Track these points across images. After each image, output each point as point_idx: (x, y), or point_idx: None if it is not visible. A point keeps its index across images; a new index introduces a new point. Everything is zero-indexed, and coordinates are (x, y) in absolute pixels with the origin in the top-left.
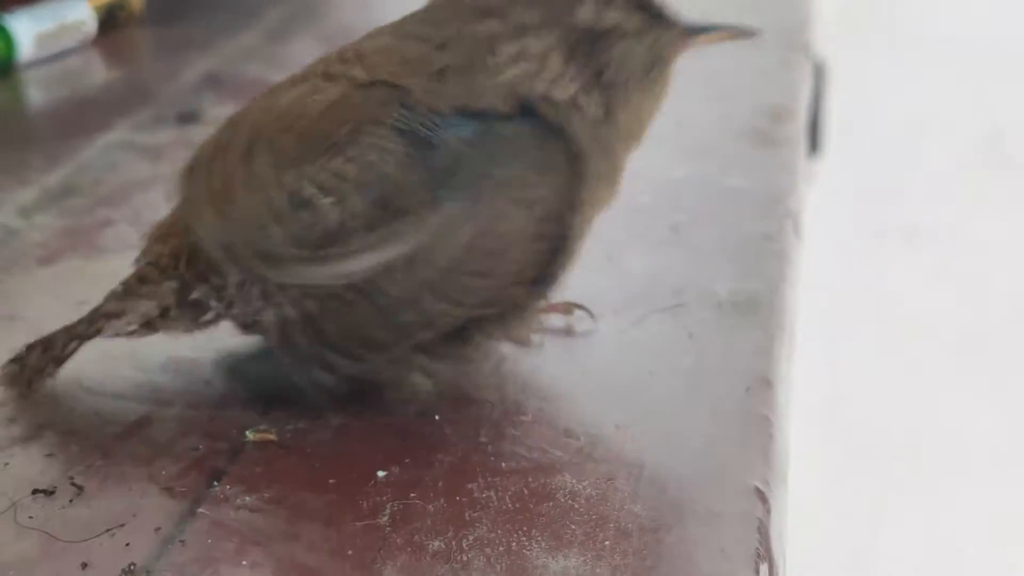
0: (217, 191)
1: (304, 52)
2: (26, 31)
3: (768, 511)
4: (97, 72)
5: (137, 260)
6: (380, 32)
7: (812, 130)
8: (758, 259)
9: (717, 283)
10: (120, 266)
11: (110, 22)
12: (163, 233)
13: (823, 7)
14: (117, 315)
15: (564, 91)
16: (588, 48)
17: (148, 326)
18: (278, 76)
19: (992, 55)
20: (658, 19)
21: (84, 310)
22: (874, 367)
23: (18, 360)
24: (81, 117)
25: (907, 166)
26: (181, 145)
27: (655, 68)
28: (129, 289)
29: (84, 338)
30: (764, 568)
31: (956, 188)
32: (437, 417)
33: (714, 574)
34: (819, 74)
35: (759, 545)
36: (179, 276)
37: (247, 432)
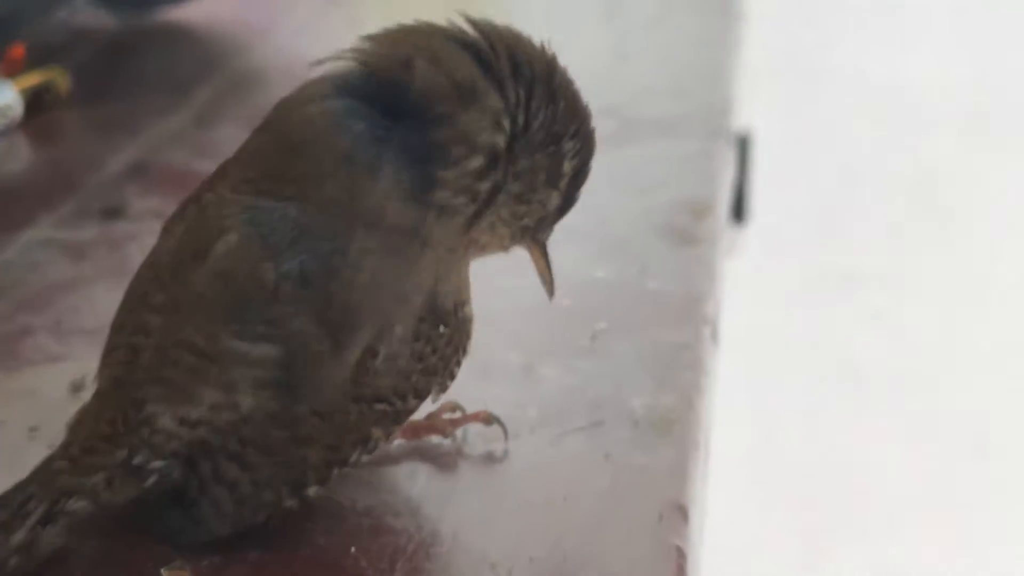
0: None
1: (231, 137)
2: None
3: None
4: (22, 157)
5: None
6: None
7: (737, 200)
8: (674, 371)
9: (634, 398)
10: (38, 381)
11: (36, 104)
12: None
13: (746, 68)
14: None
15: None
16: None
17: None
18: (204, 164)
19: (920, 101)
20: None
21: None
22: (807, 408)
23: None
24: (4, 209)
25: (840, 213)
26: (104, 244)
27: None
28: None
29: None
30: None
31: (889, 233)
32: (353, 549)
33: None
34: (743, 145)
35: None
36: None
37: (162, 570)
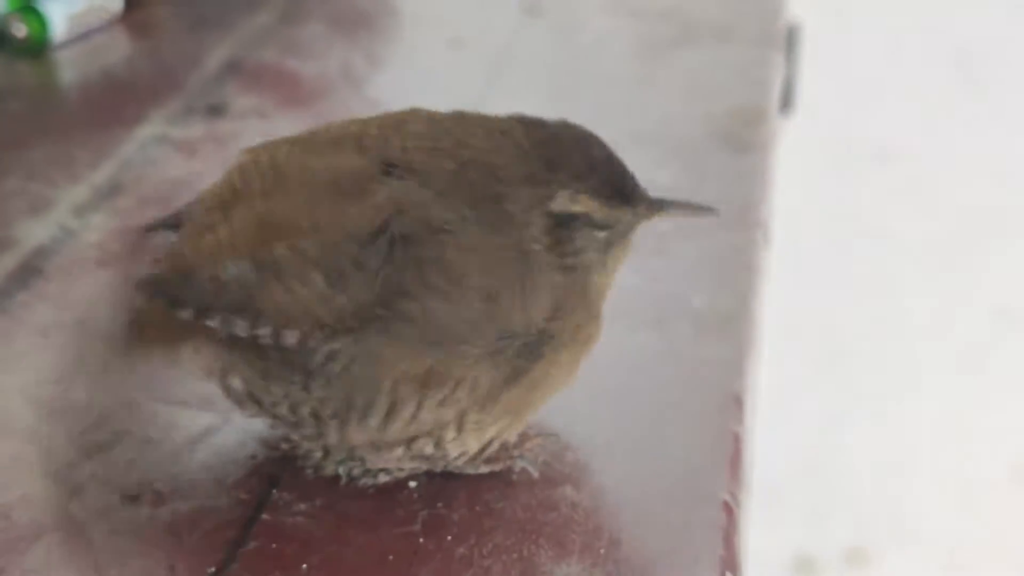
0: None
1: (317, 34)
2: (59, 13)
3: (734, 522)
4: (123, 50)
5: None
6: (409, 125)
7: (785, 92)
8: (731, 272)
9: (695, 297)
10: None
11: (134, 1)
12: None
13: None
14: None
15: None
16: (558, 232)
17: None
18: (294, 62)
19: None
20: (623, 203)
21: None
22: (843, 274)
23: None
24: (115, 105)
25: (876, 92)
26: (211, 140)
27: (616, 243)
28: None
29: None
30: (728, 574)
31: (922, 112)
32: None
33: None
34: (791, 38)
35: (723, 553)
36: None
37: None
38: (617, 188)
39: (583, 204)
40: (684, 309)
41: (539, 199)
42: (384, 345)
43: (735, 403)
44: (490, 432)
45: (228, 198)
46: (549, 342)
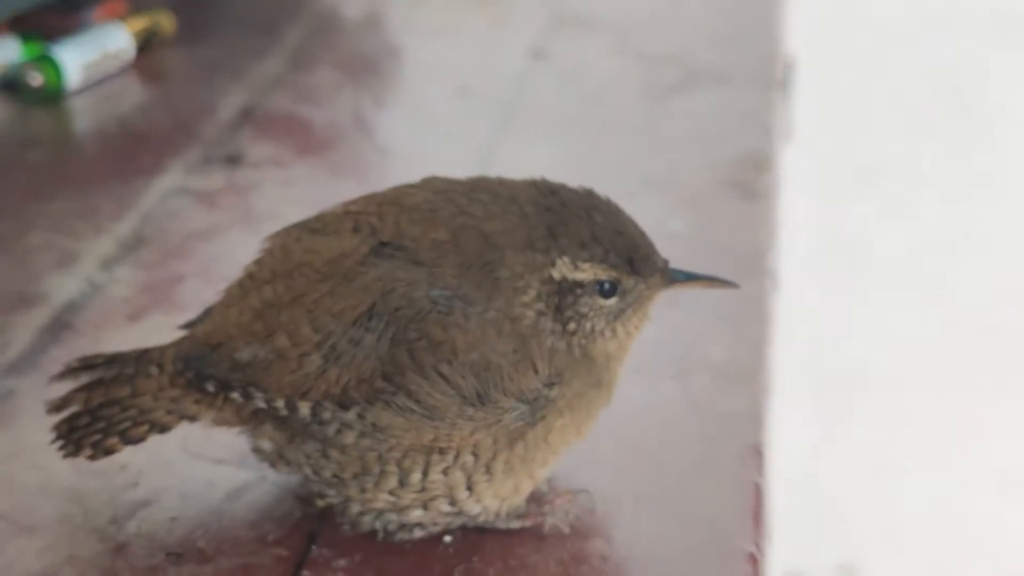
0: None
1: (327, 80)
2: (74, 61)
3: (759, 573)
4: (136, 96)
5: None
6: (411, 197)
7: (785, 126)
8: (745, 323)
9: (713, 349)
10: None
11: (146, 46)
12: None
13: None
14: (174, 415)
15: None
16: (558, 299)
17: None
18: (306, 108)
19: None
20: (632, 273)
21: None
22: (826, 293)
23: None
24: (133, 154)
25: (860, 111)
26: (231, 191)
27: (629, 311)
28: (175, 395)
29: (152, 425)
30: None
31: (906, 130)
32: None
33: None
34: (787, 73)
35: None
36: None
37: None
38: (625, 257)
39: (586, 272)
40: (703, 361)
41: (538, 265)
42: (389, 418)
43: (755, 455)
44: (504, 489)
45: (246, 284)
46: (548, 406)
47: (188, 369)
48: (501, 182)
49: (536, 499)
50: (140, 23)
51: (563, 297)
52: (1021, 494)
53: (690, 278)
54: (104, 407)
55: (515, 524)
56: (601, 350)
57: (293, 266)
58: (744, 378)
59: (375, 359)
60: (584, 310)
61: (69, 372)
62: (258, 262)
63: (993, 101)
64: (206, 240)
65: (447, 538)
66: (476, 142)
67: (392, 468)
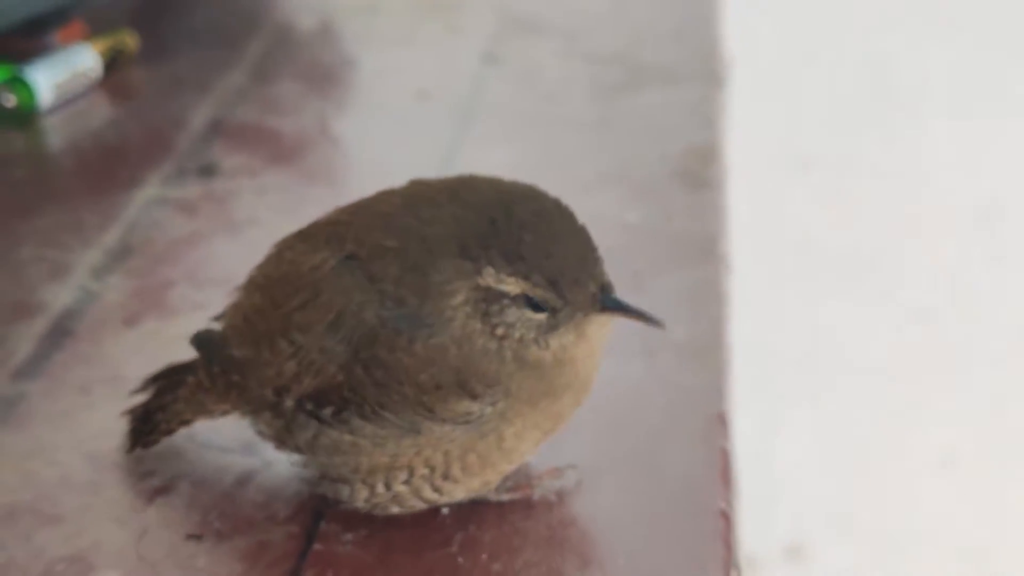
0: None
1: (291, 91)
2: (45, 81)
3: (731, 528)
4: (107, 114)
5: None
6: (383, 204)
7: None
8: (703, 304)
9: (676, 329)
10: (190, 326)
11: (111, 64)
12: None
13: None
14: (197, 414)
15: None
16: (487, 305)
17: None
18: (273, 120)
19: None
20: (558, 295)
21: None
22: (770, 282)
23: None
24: (110, 168)
25: (796, 100)
26: (209, 200)
27: (563, 329)
28: (200, 398)
29: (180, 423)
30: (733, 573)
31: (843, 119)
32: None
33: None
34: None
35: (725, 555)
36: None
37: None
38: (552, 279)
39: (510, 285)
40: (667, 340)
41: (466, 272)
42: (352, 441)
43: (720, 422)
44: (473, 484)
45: (248, 286)
46: (492, 421)
47: (200, 348)
48: (471, 185)
49: (525, 474)
50: (105, 43)
51: (490, 304)
52: (965, 474)
53: (619, 308)
54: (154, 412)
55: (505, 497)
56: (536, 358)
57: (279, 275)
58: (704, 355)
59: (340, 371)
60: (511, 319)
61: (142, 387)
62: (260, 266)
63: (927, 91)
64: (190, 247)
65: (444, 510)
66: (437, 144)
67: (359, 484)
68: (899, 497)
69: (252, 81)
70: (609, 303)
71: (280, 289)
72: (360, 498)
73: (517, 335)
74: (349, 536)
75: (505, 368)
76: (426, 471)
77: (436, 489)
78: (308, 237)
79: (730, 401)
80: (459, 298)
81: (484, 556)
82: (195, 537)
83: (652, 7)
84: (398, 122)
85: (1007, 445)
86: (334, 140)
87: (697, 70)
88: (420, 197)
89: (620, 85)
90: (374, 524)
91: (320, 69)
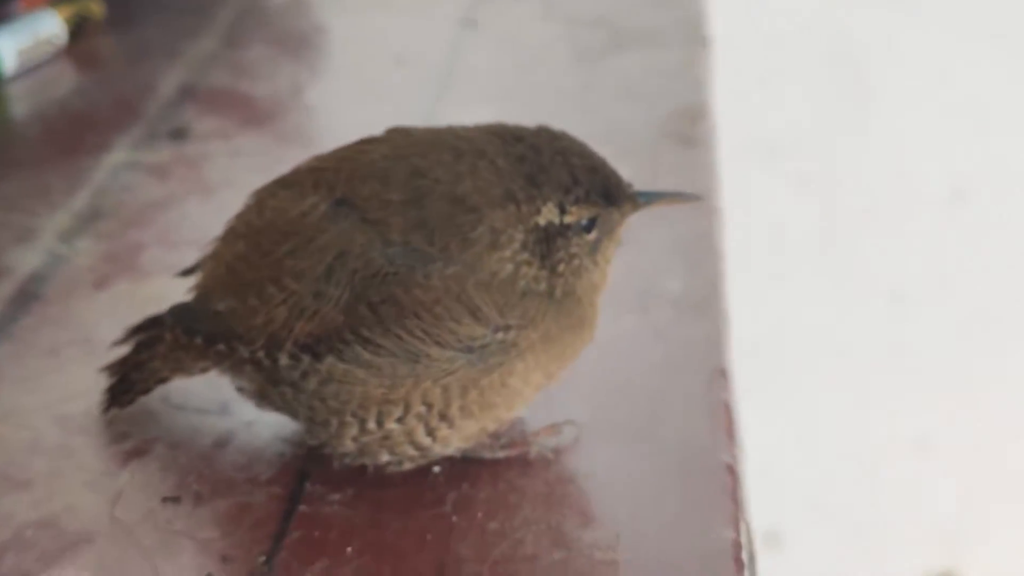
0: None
1: (263, 56)
2: (8, 48)
3: (738, 481)
4: (70, 82)
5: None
6: (368, 154)
7: None
8: (698, 257)
9: (671, 281)
10: (163, 288)
11: (77, 31)
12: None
13: None
14: (175, 372)
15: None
16: (546, 244)
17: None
18: (246, 84)
19: None
20: (610, 204)
21: None
22: (739, 270)
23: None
24: (77, 134)
25: (764, 86)
26: (182, 163)
27: (604, 240)
28: (178, 355)
29: (157, 382)
30: (742, 527)
31: (813, 107)
32: None
33: (705, 533)
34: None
35: (734, 509)
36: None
37: None
38: (603, 192)
39: (572, 214)
40: (663, 294)
41: (520, 217)
42: (345, 370)
43: (721, 376)
44: (469, 432)
45: (227, 236)
46: (502, 352)
47: (177, 324)
48: (460, 135)
49: (520, 431)
50: (69, 9)
51: (551, 242)
52: (940, 457)
53: (657, 197)
54: (131, 370)
55: (501, 454)
56: (587, 284)
57: (263, 223)
58: (702, 308)
59: (340, 312)
60: (575, 250)
61: (125, 337)
62: (238, 216)
63: (897, 75)
64: (163, 209)
65: (436, 468)
66: (416, 108)
67: (349, 418)
68: (874, 482)
69: (223, 47)
70: (646, 196)
71: (266, 236)
72: (348, 436)
73: (576, 264)
74: (336, 496)
75: (545, 304)
76: (422, 408)
77: (430, 432)
78: (291, 184)
79: (730, 353)
80: (514, 247)
81: (480, 514)
82: (172, 500)
83: None
84: (374, 87)
85: (981, 428)
86: (309, 104)
87: (681, 33)
88: (411, 152)
89: (602, 48)
90: (362, 483)
91: (293, 35)
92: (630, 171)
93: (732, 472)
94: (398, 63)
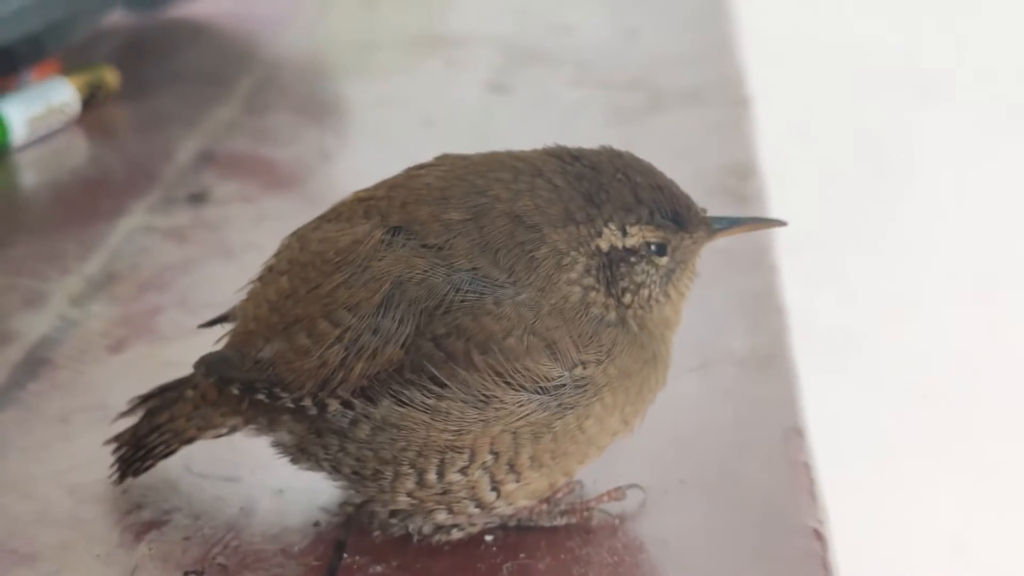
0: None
1: (283, 123)
2: (19, 115)
3: (827, 548)
4: (86, 150)
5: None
6: (421, 179)
7: None
8: (761, 314)
9: (733, 340)
10: (182, 352)
11: (90, 101)
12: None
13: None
14: (202, 430)
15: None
16: (609, 270)
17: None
18: (266, 149)
19: (865, 62)
20: (679, 228)
21: None
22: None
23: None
24: (91, 200)
25: (783, 175)
26: (201, 226)
27: (678, 271)
28: (205, 412)
29: (182, 443)
30: None
31: (833, 195)
32: None
33: None
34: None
35: None
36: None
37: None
38: (671, 214)
39: (635, 236)
40: (723, 353)
41: (583, 238)
42: (403, 414)
43: (797, 435)
44: (538, 488)
45: (265, 276)
46: (579, 392)
47: (210, 374)
48: (517, 156)
49: (579, 495)
50: (83, 78)
51: (615, 268)
52: (976, 562)
53: (734, 224)
54: (146, 435)
55: (560, 521)
56: (659, 318)
57: (309, 257)
58: (769, 365)
59: (400, 348)
60: (640, 278)
61: (130, 409)
62: (277, 255)
63: (919, 165)
64: (181, 272)
65: (488, 537)
66: None
67: (406, 468)
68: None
69: (243, 114)
70: (722, 222)
71: (315, 269)
72: (403, 489)
73: (645, 294)
74: (379, 568)
75: (607, 328)
76: (489, 457)
77: (495, 485)
78: (337, 216)
79: (803, 413)
80: (578, 270)
81: None
82: (195, 574)
83: (662, 34)
84: (404, 149)
85: (1018, 529)
86: (334, 164)
87: (721, 91)
88: (467, 171)
89: (640, 109)
90: (406, 554)
91: (314, 101)
92: None
93: (820, 537)
94: (427, 125)
